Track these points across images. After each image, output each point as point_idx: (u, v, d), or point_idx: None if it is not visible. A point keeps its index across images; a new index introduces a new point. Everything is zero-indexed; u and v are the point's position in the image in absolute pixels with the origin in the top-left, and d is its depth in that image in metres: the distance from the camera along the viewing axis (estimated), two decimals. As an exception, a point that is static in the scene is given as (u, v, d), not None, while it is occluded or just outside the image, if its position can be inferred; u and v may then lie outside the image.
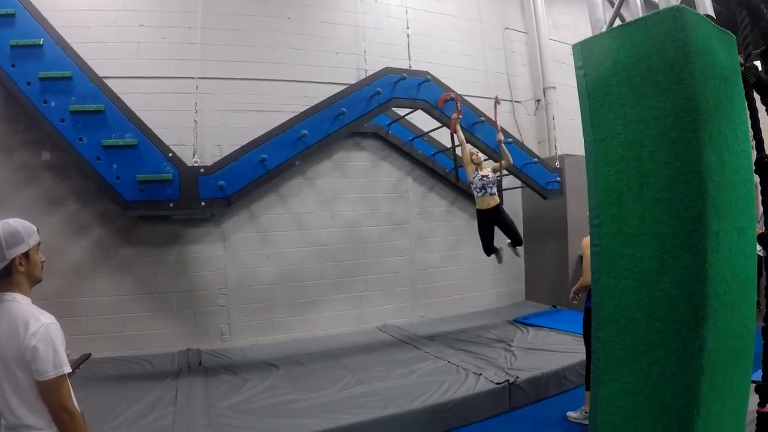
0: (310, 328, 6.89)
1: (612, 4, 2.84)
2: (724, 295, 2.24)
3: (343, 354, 5.96)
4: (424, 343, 6.22)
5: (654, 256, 2.27)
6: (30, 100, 5.19)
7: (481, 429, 4.53)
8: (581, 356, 5.02)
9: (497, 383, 4.75)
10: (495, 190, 5.90)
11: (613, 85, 2.41)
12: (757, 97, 2.71)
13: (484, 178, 5.80)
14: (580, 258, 4.80)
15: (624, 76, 2.37)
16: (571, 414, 4.58)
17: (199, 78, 6.01)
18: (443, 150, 7.44)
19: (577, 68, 2.63)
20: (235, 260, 6.63)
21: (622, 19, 2.75)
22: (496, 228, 6.09)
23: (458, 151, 6.23)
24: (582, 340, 4.69)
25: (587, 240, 4.18)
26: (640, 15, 2.68)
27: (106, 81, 5.51)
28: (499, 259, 6.33)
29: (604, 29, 2.71)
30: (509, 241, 6.20)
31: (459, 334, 6.55)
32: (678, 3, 2.40)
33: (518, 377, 4.88)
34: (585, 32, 9.03)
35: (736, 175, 2.38)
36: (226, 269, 6.58)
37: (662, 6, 2.43)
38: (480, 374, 4.95)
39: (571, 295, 4.61)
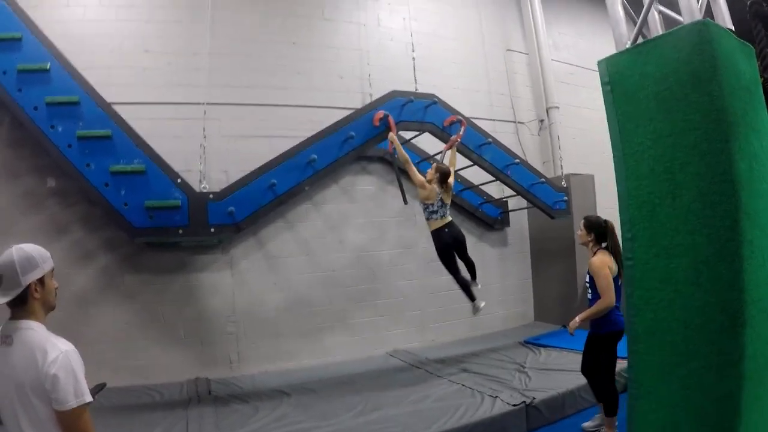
0: (320, 354, 6.85)
1: (633, 21, 2.92)
2: (760, 301, 2.29)
3: (355, 380, 5.92)
4: (437, 368, 6.20)
5: (689, 266, 2.32)
6: (37, 125, 5.16)
7: (500, 452, 4.54)
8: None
9: (514, 405, 4.73)
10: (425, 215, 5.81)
11: (641, 100, 2.49)
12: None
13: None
14: (588, 284, 4.35)
15: (652, 90, 2.44)
16: (586, 424, 4.62)
17: (206, 104, 6.05)
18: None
19: (604, 84, 2.71)
20: (243, 287, 6.62)
21: (643, 35, 2.84)
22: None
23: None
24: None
25: (599, 260, 4.18)
26: (659, 31, 2.77)
27: (114, 107, 5.52)
28: (473, 303, 5.95)
29: (628, 45, 2.78)
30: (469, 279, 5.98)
31: (471, 357, 6.54)
32: (701, 17, 2.49)
33: (534, 398, 4.86)
34: (585, 51, 9.27)
35: (764, 184, 2.44)
36: (234, 296, 6.56)
37: (686, 20, 2.52)
38: (496, 396, 4.93)
39: (577, 323, 4.23)
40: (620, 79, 2.60)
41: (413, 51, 7.00)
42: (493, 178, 7.16)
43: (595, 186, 8.19)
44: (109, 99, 5.58)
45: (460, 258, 5.87)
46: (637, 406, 2.52)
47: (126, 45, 6.39)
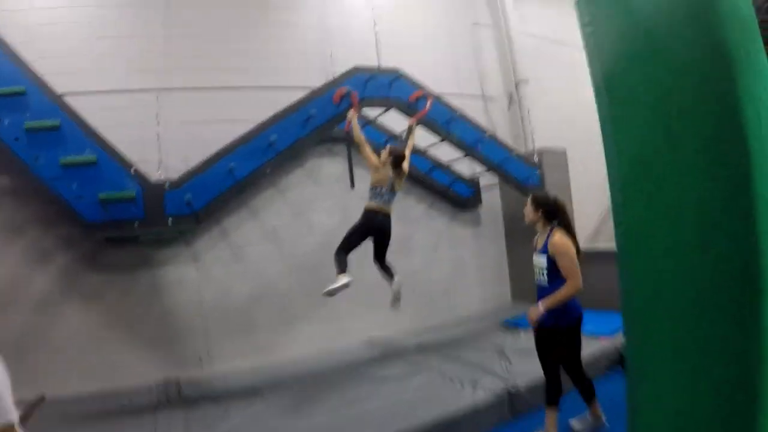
0: (294, 347, 6.42)
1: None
2: (780, 263, 1.91)
3: (331, 372, 5.53)
4: (414, 355, 5.82)
5: (694, 229, 1.93)
6: None
7: (484, 442, 4.20)
8: (584, 352, 4.80)
9: (495, 393, 4.40)
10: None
11: (629, 40, 2.09)
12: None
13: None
14: (545, 269, 3.76)
15: (642, 29, 2.04)
16: (574, 423, 4.21)
17: (161, 89, 5.68)
18: (418, 151, 7.13)
19: (583, 26, 2.29)
20: (209, 281, 6.15)
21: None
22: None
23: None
24: None
25: (562, 239, 3.66)
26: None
27: (66, 97, 5.07)
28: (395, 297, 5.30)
29: (611, -22, 2.38)
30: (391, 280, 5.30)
31: (449, 343, 6.15)
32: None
33: (517, 384, 4.57)
34: (553, 24, 8.76)
35: (771, 133, 2.06)
36: (200, 291, 6.10)
37: (677, -55, 2.13)
38: (476, 385, 4.59)
39: (541, 311, 3.59)
40: (603, 18, 2.19)
41: (375, 25, 6.54)
42: (463, 154, 6.76)
43: (568, 161, 7.86)
44: (63, 89, 5.14)
45: (377, 257, 5.31)
46: (638, 392, 2.15)
47: (79, 32, 5.91)
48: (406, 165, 5.07)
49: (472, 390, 4.51)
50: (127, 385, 5.44)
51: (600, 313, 5.92)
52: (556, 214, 3.82)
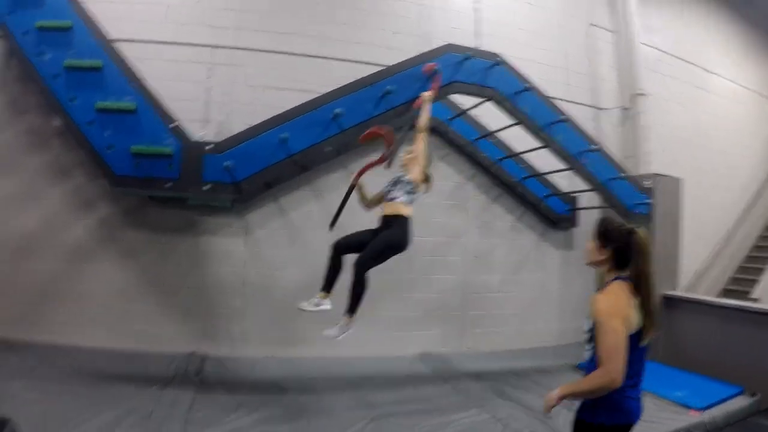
0: (337, 346, 5.38)
1: None
2: None
3: (369, 385, 4.54)
4: (468, 385, 4.67)
5: None
6: (24, 52, 4.20)
7: None
8: (671, 426, 3.74)
9: None
10: (393, 195, 3.89)
11: None
12: None
13: (387, 184, 4.01)
14: (587, 333, 2.26)
15: None
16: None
17: (225, 47, 5.05)
18: (513, 155, 5.95)
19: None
20: (256, 258, 5.32)
21: None
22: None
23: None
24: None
25: (608, 301, 2.15)
26: None
27: (127, 44, 4.56)
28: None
29: None
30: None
31: (511, 378, 4.93)
32: None
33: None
34: (678, 39, 6.87)
35: None
36: (245, 267, 5.29)
37: None
38: None
39: (554, 400, 2.16)
40: None
41: (478, 10, 5.44)
42: (564, 167, 5.47)
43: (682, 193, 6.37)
44: (126, 35, 4.71)
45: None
46: None
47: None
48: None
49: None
50: (153, 350, 4.87)
51: (691, 377, 4.81)
52: (628, 258, 2.22)
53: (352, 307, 3.76)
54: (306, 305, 3.73)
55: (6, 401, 3.40)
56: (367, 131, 4.09)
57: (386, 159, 4.10)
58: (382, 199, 3.99)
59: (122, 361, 4.57)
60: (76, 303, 4.95)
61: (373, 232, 3.84)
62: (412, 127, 4.27)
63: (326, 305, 3.77)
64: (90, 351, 4.63)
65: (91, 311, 4.97)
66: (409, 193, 3.84)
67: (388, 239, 3.73)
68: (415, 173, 3.86)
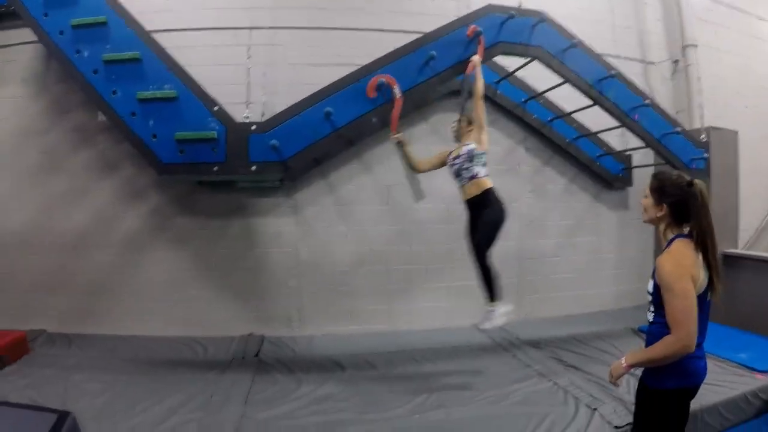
0: (394, 321, 5.36)
1: None
2: None
3: (427, 358, 4.42)
4: (527, 353, 4.51)
5: None
6: (62, 51, 4.17)
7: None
8: (737, 389, 3.45)
9: (616, 426, 3.03)
10: (473, 172, 3.72)
11: None
12: None
13: (455, 162, 3.84)
14: (651, 294, 2.14)
15: None
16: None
17: (263, 27, 4.95)
18: (563, 115, 5.67)
19: None
20: (308, 237, 5.24)
21: None
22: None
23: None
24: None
25: (674, 261, 1.98)
26: None
27: (166, 34, 4.53)
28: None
29: None
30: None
31: (571, 344, 4.72)
32: None
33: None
34: None
35: None
36: (298, 246, 5.21)
37: None
38: (595, 409, 3.25)
39: (623, 369, 2.13)
40: None
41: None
42: (616, 124, 5.19)
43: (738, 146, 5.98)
44: (164, 25, 4.70)
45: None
46: None
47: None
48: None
49: (587, 415, 3.21)
50: (210, 335, 4.88)
51: (754, 338, 4.50)
52: (688, 211, 2.04)
53: (491, 294, 3.71)
54: (487, 325, 3.72)
55: (68, 394, 3.44)
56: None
57: (397, 98, 4.06)
58: (442, 162, 3.95)
59: (180, 347, 4.61)
60: (133, 293, 5.00)
61: (473, 220, 3.81)
62: (460, 92, 4.08)
63: (502, 308, 3.73)
64: (148, 340, 4.70)
65: (147, 300, 5.01)
66: (484, 165, 3.73)
67: (493, 220, 3.66)
68: (483, 142, 3.73)
